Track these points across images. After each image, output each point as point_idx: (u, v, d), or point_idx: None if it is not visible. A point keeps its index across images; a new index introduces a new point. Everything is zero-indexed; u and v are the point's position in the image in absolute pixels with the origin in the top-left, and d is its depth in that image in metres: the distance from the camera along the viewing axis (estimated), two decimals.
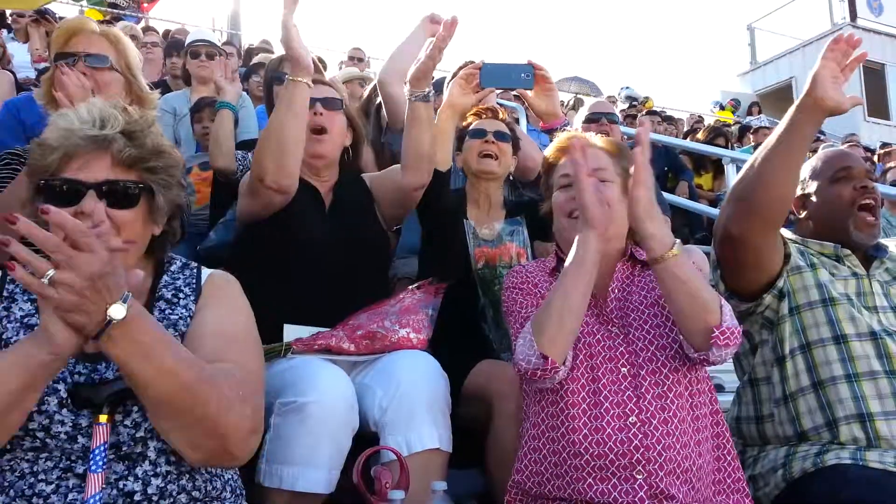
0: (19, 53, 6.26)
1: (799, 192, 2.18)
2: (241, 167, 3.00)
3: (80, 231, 1.13)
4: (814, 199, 2.17)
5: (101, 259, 1.13)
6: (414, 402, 1.90)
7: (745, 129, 10.94)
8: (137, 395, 1.27)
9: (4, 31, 6.77)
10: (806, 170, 2.21)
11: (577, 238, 1.71)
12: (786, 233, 2.13)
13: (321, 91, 2.42)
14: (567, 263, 1.71)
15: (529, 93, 2.47)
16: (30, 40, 6.29)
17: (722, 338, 1.62)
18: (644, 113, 8.36)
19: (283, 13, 2.05)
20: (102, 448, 1.27)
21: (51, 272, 1.11)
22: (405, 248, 3.16)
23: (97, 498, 1.24)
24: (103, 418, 1.29)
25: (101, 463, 1.26)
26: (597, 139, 1.99)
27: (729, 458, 1.73)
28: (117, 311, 1.15)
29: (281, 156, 2.13)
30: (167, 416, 1.27)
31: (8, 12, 6.99)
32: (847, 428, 1.86)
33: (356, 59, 8.14)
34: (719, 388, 1.88)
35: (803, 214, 2.20)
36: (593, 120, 3.54)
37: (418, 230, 2.77)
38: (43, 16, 6.16)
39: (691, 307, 1.64)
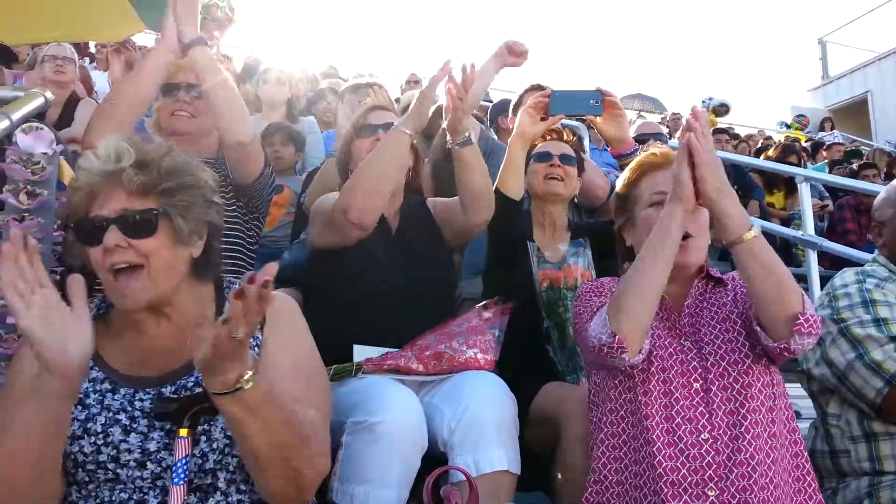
0: (101, 81, 6.59)
1: (876, 219, 2.11)
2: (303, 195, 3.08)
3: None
4: (888, 228, 2.10)
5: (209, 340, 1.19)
6: (482, 424, 1.91)
7: (817, 146, 10.61)
8: (238, 445, 1.34)
9: (87, 60, 7.14)
10: (882, 195, 2.13)
11: (663, 212, 1.68)
12: (879, 260, 2.06)
13: (383, 117, 2.51)
14: (649, 239, 1.68)
15: (598, 119, 2.46)
16: (110, 69, 6.61)
17: (806, 325, 1.58)
18: (711, 131, 8.17)
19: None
20: (184, 461, 1.33)
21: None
22: (469, 269, 3.18)
23: None
24: (184, 432, 1.34)
25: (182, 475, 1.32)
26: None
27: (808, 479, 1.69)
28: (248, 381, 1.23)
29: (373, 196, 2.21)
30: (261, 466, 1.33)
31: (92, 43, 7.38)
32: None
33: (412, 82, 8.34)
34: (797, 415, 1.82)
35: (879, 243, 2.13)
36: (640, 142, 3.50)
37: (482, 250, 2.79)
38: (124, 45, 6.48)
39: (774, 291, 1.60)
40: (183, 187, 1.49)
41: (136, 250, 1.41)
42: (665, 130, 6.03)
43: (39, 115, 2.10)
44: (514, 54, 2.94)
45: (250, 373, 1.24)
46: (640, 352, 1.65)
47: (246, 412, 1.26)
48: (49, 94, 2.10)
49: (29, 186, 1.81)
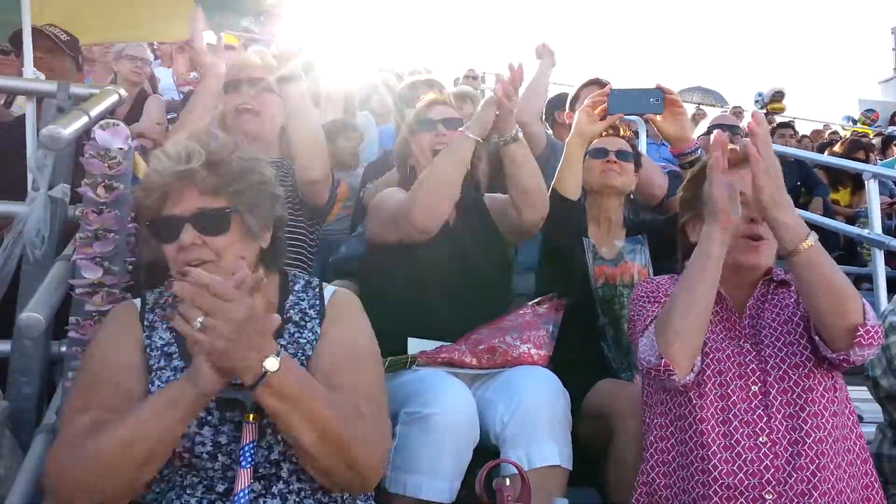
0: (164, 77, 6.80)
1: None
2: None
3: (219, 283, 1.25)
4: None
5: (245, 306, 1.25)
6: (535, 418, 1.92)
7: (888, 141, 10.18)
8: (286, 438, 1.39)
9: (152, 57, 7.38)
10: None
11: (702, 233, 1.66)
12: None
13: (441, 112, 2.51)
14: (691, 260, 1.67)
15: (658, 117, 2.41)
16: (174, 65, 6.81)
17: (866, 337, 1.54)
18: (776, 125, 7.96)
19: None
20: (251, 445, 1.37)
21: (200, 319, 1.24)
22: (522, 265, 3.19)
23: (245, 492, 1.34)
24: (250, 417, 1.39)
25: (249, 458, 1.36)
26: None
27: (876, 486, 1.65)
28: (271, 364, 1.28)
29: (439, 201, 2.24)
30: (313, 457, 1.37)
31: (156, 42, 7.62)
32: None
33: (471, 77, 8.36)
34: (859, 419, 1.78)
35: None
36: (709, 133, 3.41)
37: (535, 247, 2.79)
38: (188, 42, 6.67)
39: (833, 303, 1.55)
40: (251, 186, 1.54)
41: (210, 247, 1.48)
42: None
43: (111, 112, 2.20)
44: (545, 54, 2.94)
45: (272, 357, 1.28)
46: (691, 370, 1.64)
47: (282, 403, 1.31)
48: (123, 92, 2.21)
49: (106, 180, 1.90)
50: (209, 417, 1.44)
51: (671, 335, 1.61)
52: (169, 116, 4.54)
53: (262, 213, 1.56)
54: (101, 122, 1.98)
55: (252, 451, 1.37)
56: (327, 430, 1.35)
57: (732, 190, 1.61)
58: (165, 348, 1.52)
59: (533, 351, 2.15)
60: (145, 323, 1.55)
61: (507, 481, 1.68)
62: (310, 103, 2.33)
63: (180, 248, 1.47)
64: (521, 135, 2.32)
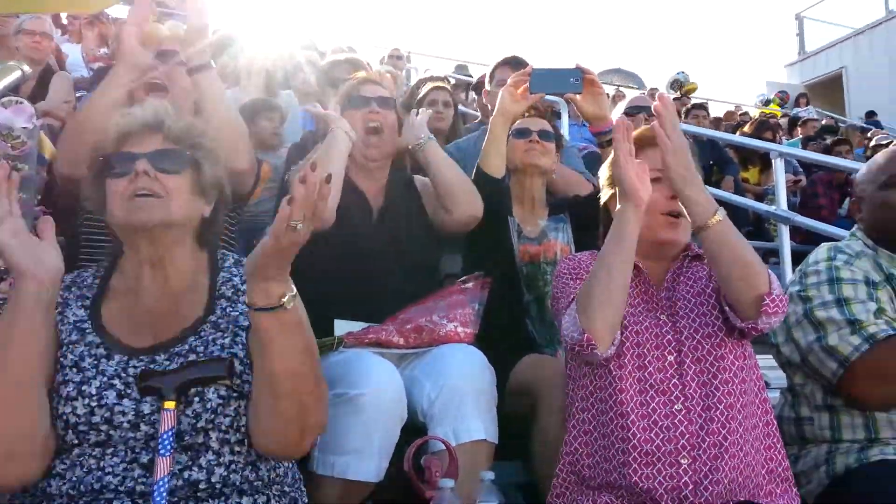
0: (73, 53, 6.47)
1: (856, 194, 2.14)
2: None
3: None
4: (866, 203, 2.11)
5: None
6: (462, 395, 1.95)
7: (793, 122, 10.71)
8: (258, 366, 1.41)
9: (59, 32, 6.99)
10: (863, 170, 2.16)
11: (616, 213, 1.71)
12: (857, 234, 2.10)
13: (374, 90, 2.48)
14: (607, 240, 1.72)
15: (577, 97, 2.47)
16: (83, 41, 6.49)
17: (772, 305, 1.62)
18: (690, 106, 8.24)
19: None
20: (170, 433, 1.35)
21: (298, 221, 1.26)
22: (450, 246, 3.20)
23: (165, 480, 1.32)
24: (170, 404, 1.37)
25: (168, 447, 1.34)
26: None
27: (778, 447, 1.76)
28: (290, 300, 1.35)
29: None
30: (275, 395, 1.39)
31: (64, 15, 7.23)
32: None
33: (395, 56, 8.32)
34: (766, 385, 1.89)
35: (859, 217, 2.14)
36: (630, 115, 3.49)
37: None
38: (97, 17, 6.35)
39: (741, 274, 1.64)
40: (212, 149, 1.61)
41: (161, 183, 1.50)
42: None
43: (14, 89, 2.08)
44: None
45: (291, 293, 1.35)
46: (612, 344, 1.69)
47: (279, 330, 1.36)
48: (27, 68, 2.10)
49: (9, 161, 1.80)
50: (129, 391, 1.42)
51: (592, 312, 1.66)
52: (78, 94, 4.33)
53: (215, 173, 1.61)
54: (3, 99, 1.88)
55: (171, 439, 1.35)
56: (300, 369, 1.39)
57: (641, 169, 1.68)
58: (78, 324, 1.51)
59: (459, 329, 2.17)
60: (58, 300, 1.52)
61: (435, 458, 1.71)
62: (222, 91, 2.22)
63: (131, 180, 1.48)
64: (431, 137, 2.39)
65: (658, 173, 1.77)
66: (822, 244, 2.12)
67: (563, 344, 1.78)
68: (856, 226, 2.16)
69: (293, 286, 1.38)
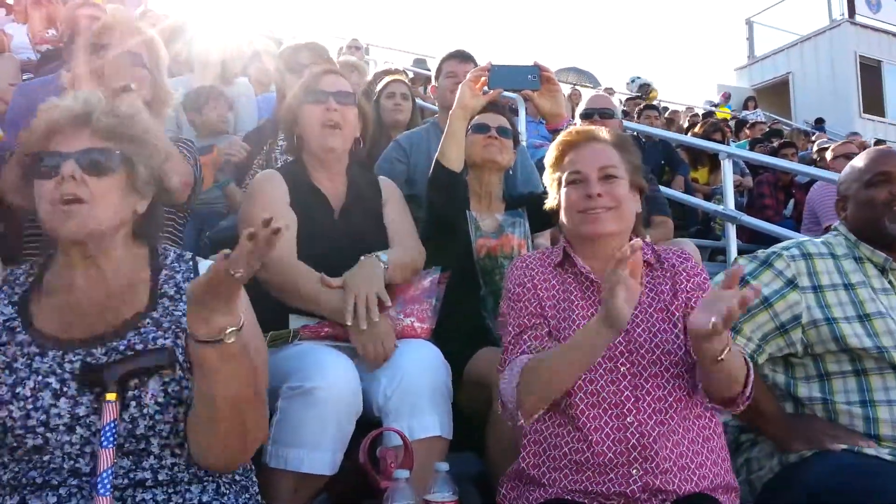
0: (18, 35, 6.23)
1: (841, 192, 2.17)
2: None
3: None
4: (851, 202, 2.13)
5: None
6: (417, 391, 1.96)
7: (741, 124, 10.99)
8: (199, 393, 1.37)
9: (3, 12, 6.73)
10: (847, 169, 2.19)
11: (591, 325, 1.60)
12: (840, 229, 2.13)
13: (335, 84, 2.43)
14: (573, 343, 1.66)
15: (535, 93, 2.49)
16: (29, 21, 6.26)
17: (742, 404, 1.67)
18: (643, 107, 8.39)
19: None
20: (112, 424, 1.33)
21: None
22: None
23: (109, 472, 1.30)
24: (111, 396, 1.35)
25: (111, 438, 1.32)
26: (604, 133, 1.93)
27: (724, 454, 1.75)
28: (231, 335, 1.30)
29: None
30: (215, 418, 1.36)
31: None
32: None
33: (354, 48, 8.26)
34: None
35: (843, 216, 2.17)
36: (586, 116, 3.55)
37: (421, 221, 2.81)
38: None
39: (724, 384, 1.65)
40: (147, 142, 1.53)
41: (88, 187, 1.43)
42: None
43: None
44: None
45: (235, 328, 1.29)
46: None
47: (221, 360, 1.31)
48: None
49: None
50: (65, 388, 1.38)
51: (534, 401, 1.66)
52: (24, 77, 4.18)
53: (151, 170, 1.54)
54: None
55: (113, 431, 1.33)
56: (243, 393, 1.36)
57: (630, 291, 1.55)
58: (7, 323, 1.46)
59: (416, 324, 2.18)
60: None
61: (390, 449, 1.72)
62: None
63: (58, 183, 1.41)
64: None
65: (577, 175, 1.82)
66: (801, 239, 2.15)
67: (499, 397, 1.75)
68: (837, 223, 2.19)
69: (241, 316, 1.31)
